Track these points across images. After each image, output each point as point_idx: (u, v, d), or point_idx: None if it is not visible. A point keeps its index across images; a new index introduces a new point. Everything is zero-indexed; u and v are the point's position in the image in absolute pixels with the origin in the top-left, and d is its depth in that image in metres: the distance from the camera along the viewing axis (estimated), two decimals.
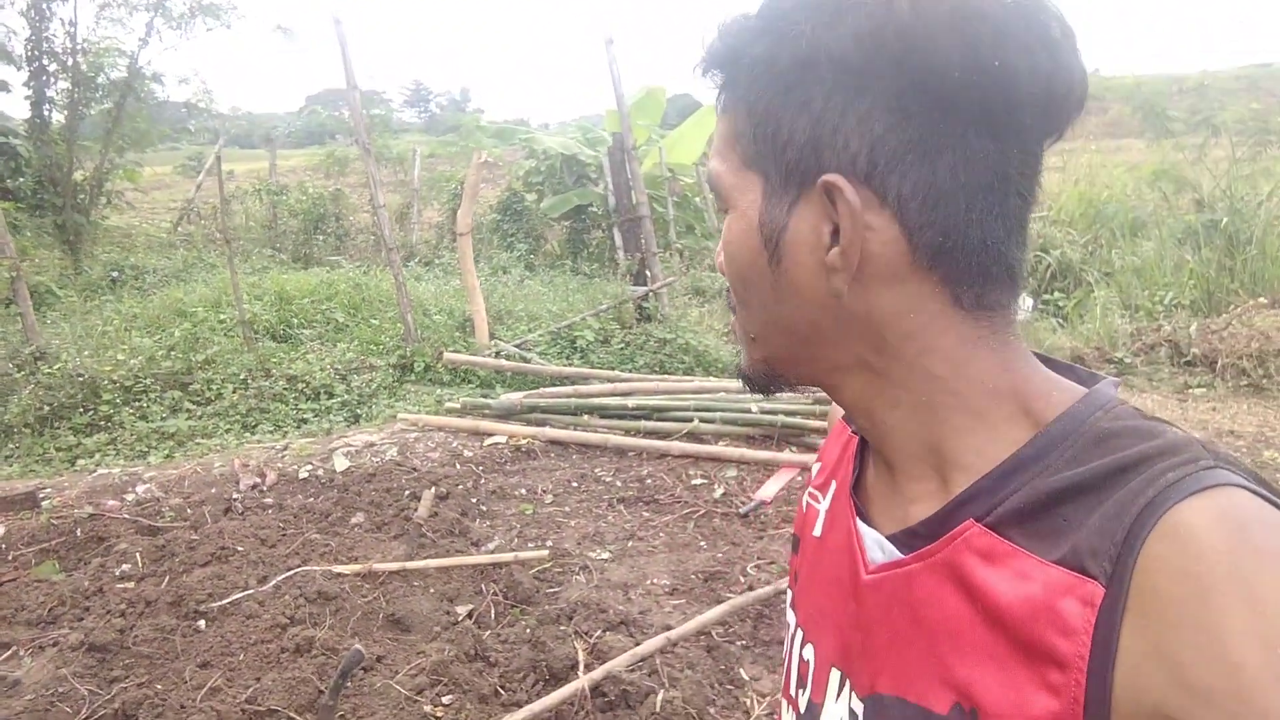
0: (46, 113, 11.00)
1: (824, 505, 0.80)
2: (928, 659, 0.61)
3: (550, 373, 6.48)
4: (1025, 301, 9.04)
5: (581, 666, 3.07)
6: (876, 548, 0.68)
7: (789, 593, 0.86)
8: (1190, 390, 6.42)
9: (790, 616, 0.83)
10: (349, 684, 2.98)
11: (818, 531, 0.79)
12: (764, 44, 0.60)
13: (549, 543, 4.15)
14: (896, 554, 0.65)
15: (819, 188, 0.59)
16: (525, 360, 6.76)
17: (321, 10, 6.48)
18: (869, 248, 0.59)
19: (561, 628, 3.37)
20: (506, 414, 5.69)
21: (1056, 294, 9.39)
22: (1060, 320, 8.35)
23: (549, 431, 5.44)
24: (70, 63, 10.95)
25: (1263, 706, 0.44)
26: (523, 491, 4.78)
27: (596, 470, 5.06)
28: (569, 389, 6.05)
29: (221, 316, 7.53)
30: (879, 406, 0.65)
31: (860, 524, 0.71)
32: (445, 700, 2.98)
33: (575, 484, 4.88)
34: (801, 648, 0.78)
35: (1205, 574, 0.47)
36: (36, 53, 10.76)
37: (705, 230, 12.70)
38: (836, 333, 0.63)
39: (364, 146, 6.76)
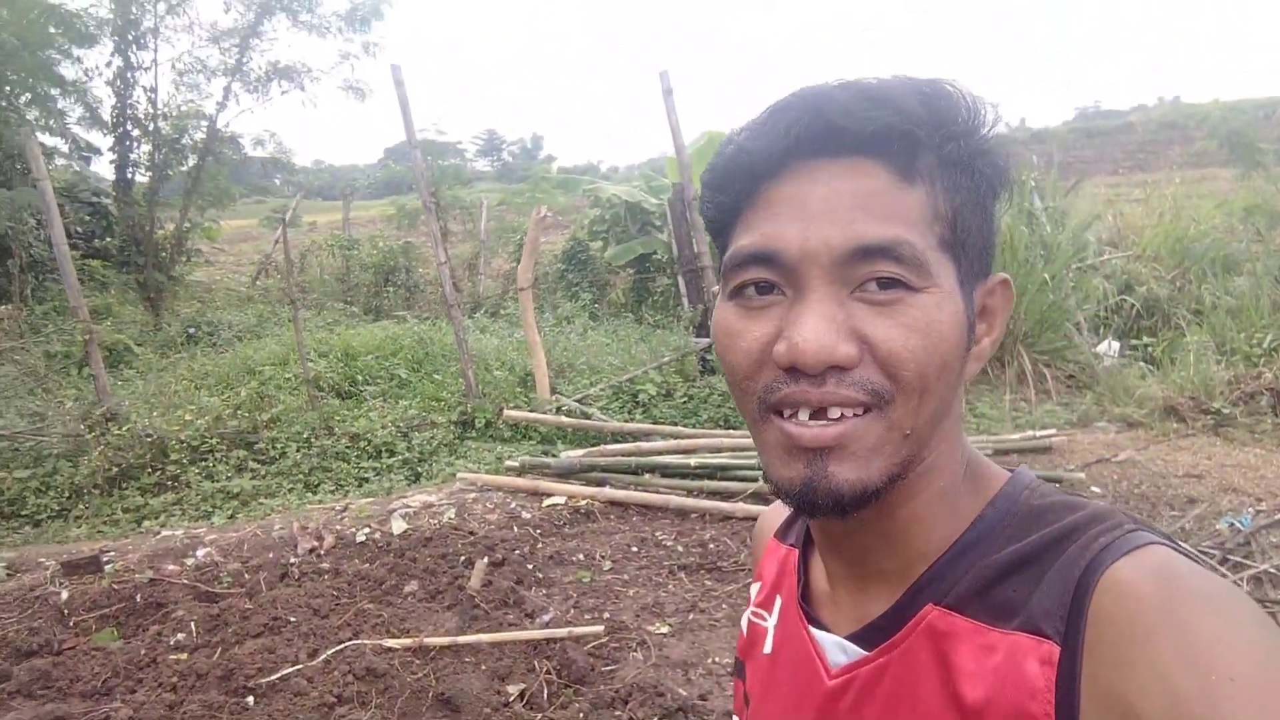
0: (130, 175, 11.48)
1: (771, 621, 0.80)
2: None
3: (611, 429, 6.35)
4: (1111, 345, 8.57)
5: None
6: (838, 650, 0.69)
7: (735, 719, 0.86)
8: None
9: None
10: None
11: (768, 649, 0.79)
12: (960, 143, 0.63)
13: (606, 614, 3.98)
14: (860, 652, 0.67)
15: (993, 283, 0.68)
16: (586, 416, 6.65)
17: (388, 70, 6.57)
18: None
19: (616, 713, 3.19)
20: (566, 473, 5.57)
21: (1144, 336, 8.89)
22: (1150, 366, 7.89)
23: (608, 492, 5.29)
24: (152, 127, 11.42)
25: None
26: (580, 557, 4.62)
27: (657, 533, 4.88)
28: (630, 445, 5.91)
29: (288, 374, 7.62)
30: (901, 498, 0.65)
31: (815, 631, 0.72)
32: None
33: (635, 549, 4.71)
34: None
35: (1145, 619, 0.52)
36: (121, 118, 11.25)
37: None
38: (941, 422, 0.65)
39: (426, 205, 6.81)
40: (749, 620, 0.85)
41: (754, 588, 0.87)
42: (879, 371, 0.60)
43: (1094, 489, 5.20)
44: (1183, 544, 0.61)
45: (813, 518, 0.67)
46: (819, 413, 0.61)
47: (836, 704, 0.67)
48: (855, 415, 0.61)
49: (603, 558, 4.61)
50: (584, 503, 5.22)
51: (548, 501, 5.27)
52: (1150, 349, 8.42)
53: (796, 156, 0.62)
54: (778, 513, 0.92)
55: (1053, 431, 6.17)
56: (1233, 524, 4.49)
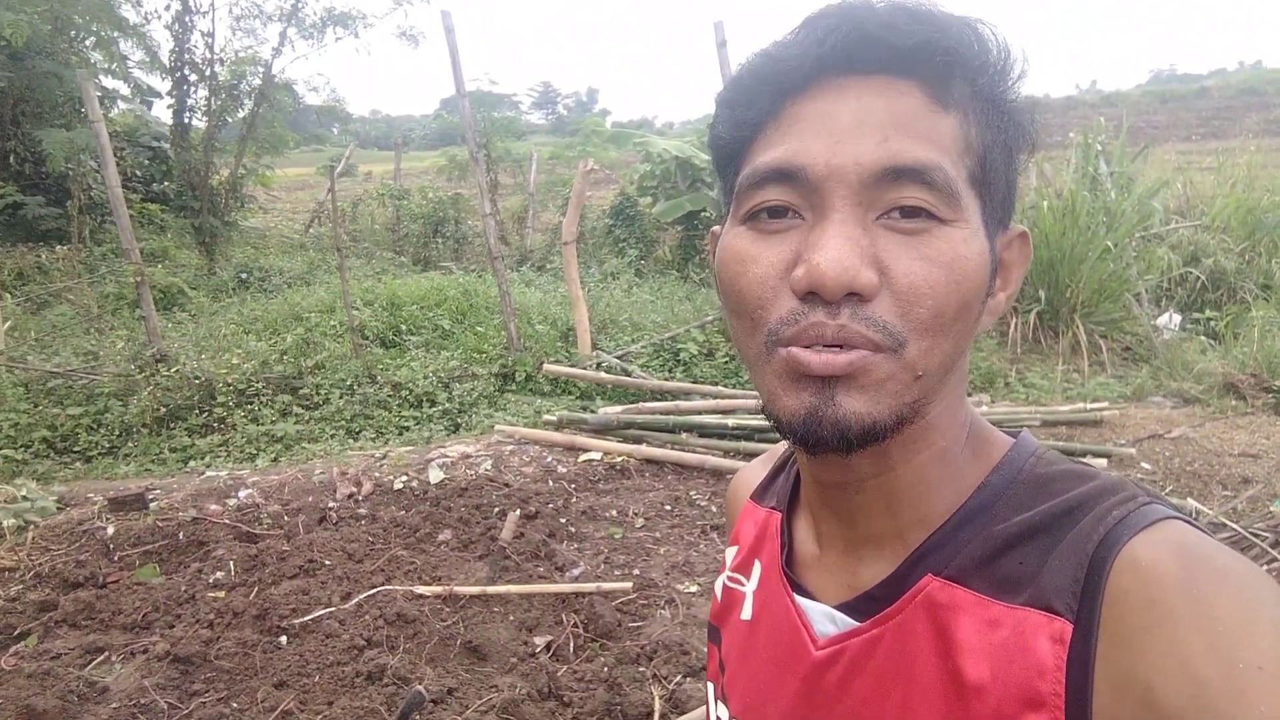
0: (187, 120, 11.61)
1: (750, 586, 0.77)
2: None
3: (651, 386, 6.31)
4: (1172, 318, 8.26)
5: (657, 716, 2.88)
6: (826, 620, 0.66)
7: (710, 686, 0.82)
8: None
9: (719, 710, 0.78)
10: (417, 717, 2.88)
11: (746, 614, 0.76)
12: (996, 77, 0.61)
13: (636, 570, 3.98)
14: (851, 623, 0.64)
15: (1014, 234, 0.65)
16: (626, 373, 6.62)
17: (441, 17, 6.50)
18: None
19: (640, 669, 3.19)
20: (603, 429, 5.56)
21: (1207, 310, 8.56)
22: (1211, 340, 7.60)
23: (645, 450, 5.27)
24: (209, 72, 11.52)
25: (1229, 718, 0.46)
26: (613, 513, 4.62)
27: (692, 493, 4.86)
28: (669, 404, 5.87)
29: (334, 321, 7.70)
30: (901, 454, 0.63)
31: (800, 599, 0.69)
32: None
33: (669, 507, 4.69)
34: None
35: (1167, 600, 0.50)
36: (179, 63, 11.35)
37: None
38: (948, 375, 0.62)
39: (474, 155, 6.77)
40: (724, 585, 0.82)
41: (729, 551, 0.84)
42: (895, 308, 0.56)
43: (1144, 465, 5.04)
44: (1195, 519, 0.61)
45: (814, 454, 0.62)
46: (829, 347, 0.57)
47: (823, 676, 0.65)
48: (868, 351, 0.57)
49: (635, 515, 4.60)
50: (620, 459, 5.21)
51: (584, 457, 5.27)
52: (1213, 323, 8.12)
53: (829, 71, 0.59)
54: (753, 473, 0.89)
55: (1105, 404, 5.98)
56: None
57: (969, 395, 0.70)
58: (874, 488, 0.64)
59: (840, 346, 0.56)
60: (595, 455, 5.26)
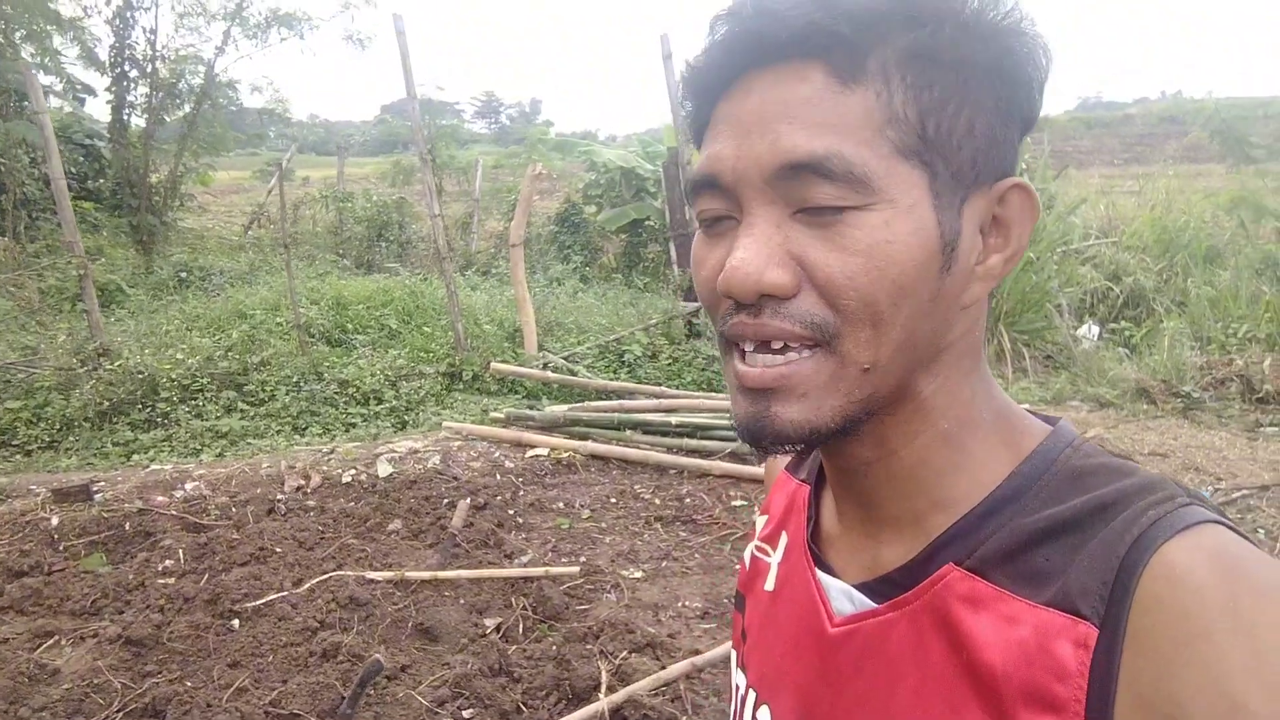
0: (126, 117, 11.44)
1: (775, 558, 0.76)
2: (910, 713, 0.58)
3: (596, 386, 6.47)
4: (1091, 329, 8.74)
5: (604, 688, 3.02)
6: (843, 598, 0.65)
7: (734, 653, 0.82)
8: (1262, 429, 6.13)
9: (738, 677, 0.78)
10: (370, 693, 2.98)
11: (770, 585, 0.75)
12: (933, 29, 0.55)
13: (582, 559, 4.12)
14: (868, 603, 0.63)
15: (997, 191, 0.58)
16: (572, 373, 6.76)
17: (389, 20, 6.59)
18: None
19: (588, 646, 3.33)
20: (550, 426, 5.69)
21: (1125, 323, 9.08)
22: (1127, 351, 8.06)
23: (591, 446, 5.42)
24: (150, 69, 11.37)
25: None
26: (560, 505, 4.76)
27: (636, 487, 5.02)
28: (614, 403, 6.03)
29: (279, 319, 7.70)
30: (900, 435, 0.61)
31: (821, 574, 0.68)
32: (466, 714, 2.96)
33: (614, 500, 4.85)
34: (755, 709, 0.73)
35: (1204, 613, 0.47)
36: (119, 59, 11.20)
37: None
38: (932, 353, 0.60)
39: (422, 157, 6.86)
40: (752, 554, 0.80)
41: (759, 520, 0.82)
42: (820, 301, 0.55)
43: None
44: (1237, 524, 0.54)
45: (767, 454, 0.63)
46: (764, 345, 0.57)
47: (837, 654, 0.63)
48: (802, 352, 0.57)
49: (582, 507, 4.74)
50: (566, 455, 5.34)
51: (531, 452, 5.39)
52: (1130, 335, 8.61)
53: (739, 69, 0.58)
54: None
55: (1026, 406, 6.30)
56: None
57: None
58: (880, 471, 0.62)
59: (772, 348, 0.57)
60: (542, 451, 5.39)
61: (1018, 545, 0.55)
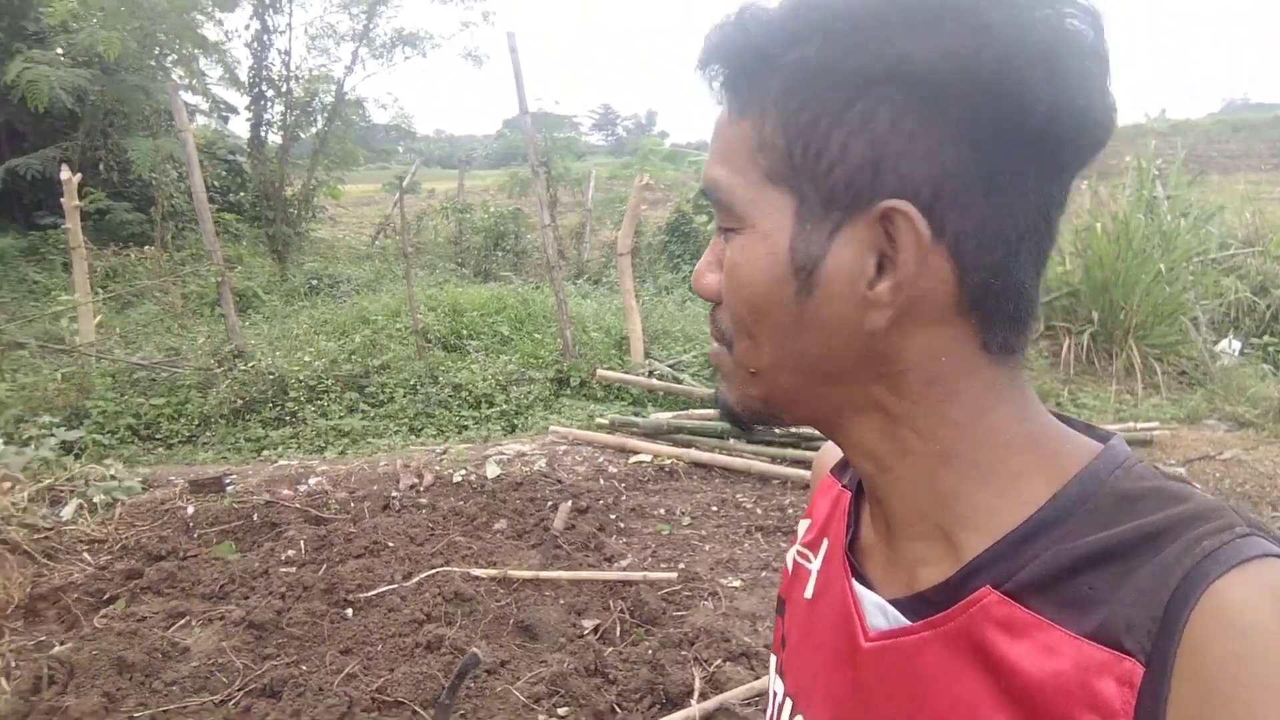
0: (264, 134, 12.16)
1: (815, 565, 0.74)
2: None
3: (700, 394, 6.48)
4: (1232, 344, 8.18)
5: (696, 694, 3.03)
6: (878, 612, 0.63)
7: (773, 658, 0.81)
8: None
9: (776, 684, 0.77)
10: (470, 685, 3.07)
11: (809, 593, 0.73)
12: (816, 47, 0.54)
13: (681, 565, 4.14)
14: (902, 620, 0.61)
15: (874, 214, 0.54)
16: (677, 381, 6.80)
17: (505, 38, 6.82)
18: (919, 284, 0.54)
19: (683, 652, 3.35)
20: (653, 433, 5.74)
21: (1272, 338, 8.44)
22: (1271, 367, 7.52)
23: (693, 453, 5.43)
24: (285, 89, 12.06)
25: None
26: (661, 511, 4.79)
27: (738, 496, 5.00)
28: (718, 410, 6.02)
29: (399, 325, 8.03)
30: (888, 453, 0.61)
31: (858, 586, 0.66)
32: (561, 711, 3.02)
33: (715, 508, 4.85)
34: (792, 718, 0.72)
35: (1256, 659, 0.44)
36: (257, 79, 11.91)
37: None
38: (856, 372, 0.59)
39: (534, 169, 7.04)
40: (793, 559, 0.79)
41: (802, 525, 0.81)
42: (724, 310, 0.62)
43: (1194, 485, 5.04)
44: None
45: (731, 424, 0.69)
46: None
47: (870, 670, 0.62)
48: (720, 347, 0.64)
49: (683, 514, 4.76)
50: (669, 462, 5.38)
51: (634, 458, 5.45)
52: (1276, 351, 8.02)
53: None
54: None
55: (1155, 425, 5.98)
56: None
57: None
58: (883, 484, 0.63)
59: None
60: (645, 457, 5.44)
61: (1059, 572, 0.53)
